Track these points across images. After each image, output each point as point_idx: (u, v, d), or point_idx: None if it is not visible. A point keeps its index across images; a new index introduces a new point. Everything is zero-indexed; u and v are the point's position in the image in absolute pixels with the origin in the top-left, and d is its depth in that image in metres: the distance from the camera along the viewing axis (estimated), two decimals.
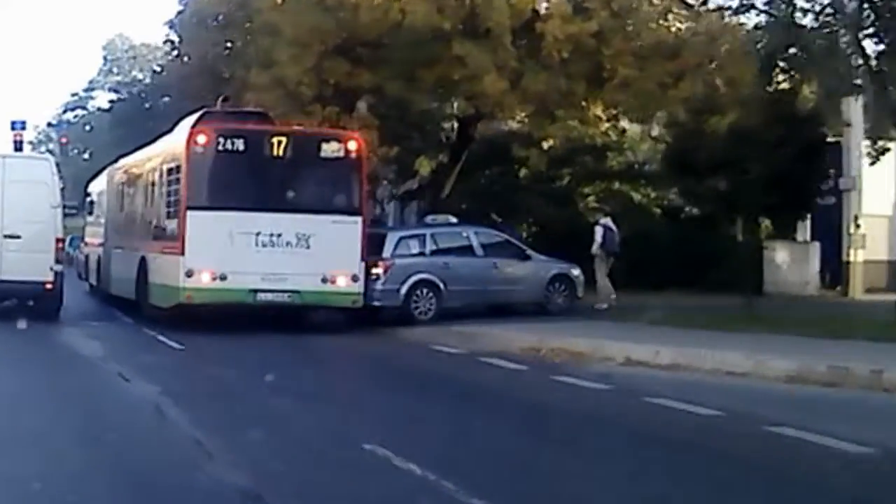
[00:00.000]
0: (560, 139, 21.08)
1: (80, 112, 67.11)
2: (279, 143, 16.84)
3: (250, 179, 16.87)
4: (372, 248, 17.37)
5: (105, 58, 67.71)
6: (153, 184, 18.77)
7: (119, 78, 63.59)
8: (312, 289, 16.77)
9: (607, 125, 20.36)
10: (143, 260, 18.44)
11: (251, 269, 16.46)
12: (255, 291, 16.56)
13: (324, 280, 16.85)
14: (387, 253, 17.78)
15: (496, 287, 18.26)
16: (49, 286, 16.92)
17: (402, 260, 17.84)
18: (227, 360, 13.64)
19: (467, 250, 18.42)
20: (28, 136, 46.34)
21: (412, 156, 23.82)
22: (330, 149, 17.17)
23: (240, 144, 16.61)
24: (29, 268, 16.60)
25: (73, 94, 67.83)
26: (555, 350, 13.41)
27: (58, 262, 17.05)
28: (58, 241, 17.14)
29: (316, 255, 16.70)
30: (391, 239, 18.17)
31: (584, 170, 24.41)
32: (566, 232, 18.15)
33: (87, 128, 65.58)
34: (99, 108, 55.94)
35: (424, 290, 17.68)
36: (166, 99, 33.92)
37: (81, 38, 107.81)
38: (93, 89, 67.24)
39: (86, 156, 63.94)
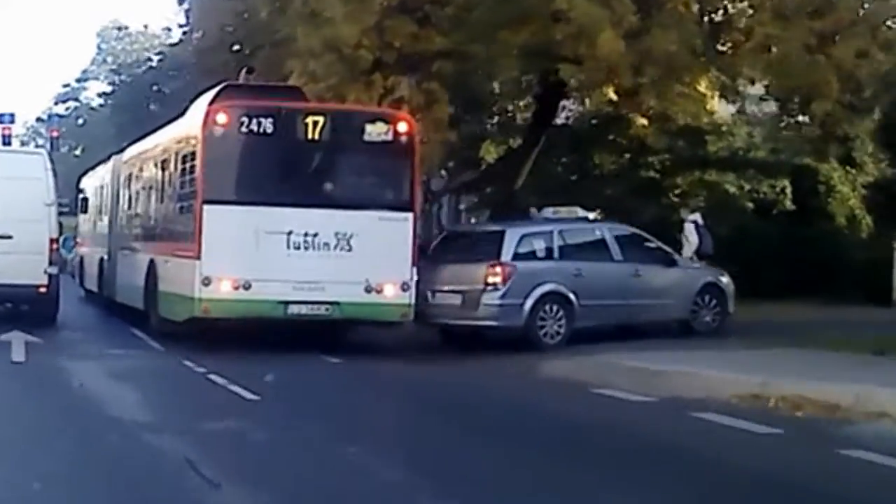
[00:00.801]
0: (659, 115, 19.61)
1: (72, 104, 66.70)
2: (315, 123, 15.81)
3: (280, 167, 15.93)
4: (480, 247, 16.10)
5: (99, 46, 67.38)
6: (163, 174, 17.87)
7: (115, 67, 63.17)
8: (354, 300, 15.77)
9: (712, 104, 18.91)
10: (151, 264, 17.62)
11: (281, 276, 15.46)
12: (286, 303, 15.55)
13: (368, 289, 15.82)
14: (506, 255, 15.77)
15: (637, 301, 16.26)
16: (43, 290, 17.19)
17: (525, 264, 15.85)
18: (329, 417, 10.55)
19: (602, 252, 16.42)
20: (15, 132, 46.42)
21: (475, 141, 22.64)
22: (376, 131, 16.09)
23: (267, 125, 15.58)
24: (21, 270, 16.85)
25: (65, 86, 67.55)
26: (790, 399, 10.44)
27: (52, 263, 17.34)
28: (52, 241, 17.43)
29: (359, 258, 15.71)
30: (511, 237, 16.00)
31: (676, 157, 23.20)
32: (650, 230, 16.92)
33: (80, 121, 65.30)
34: (100, 94, 55.08)
35: (553, 306, 15.66)
36: (173, 84, 33.01)
37: (71, 29, 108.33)
38: (86, 80, 67.13)
39: (77, 152, 63.56)
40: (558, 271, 15.95)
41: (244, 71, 17.95)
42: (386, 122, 16.19)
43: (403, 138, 16.18)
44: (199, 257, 15.35)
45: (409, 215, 16.13)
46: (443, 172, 22.60)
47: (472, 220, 26.20)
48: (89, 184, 27.40)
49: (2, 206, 17.04)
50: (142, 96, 40.88)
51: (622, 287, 16.14)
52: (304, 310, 15.65)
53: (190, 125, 16.58)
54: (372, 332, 17.01)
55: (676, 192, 22.92)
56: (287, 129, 15.73)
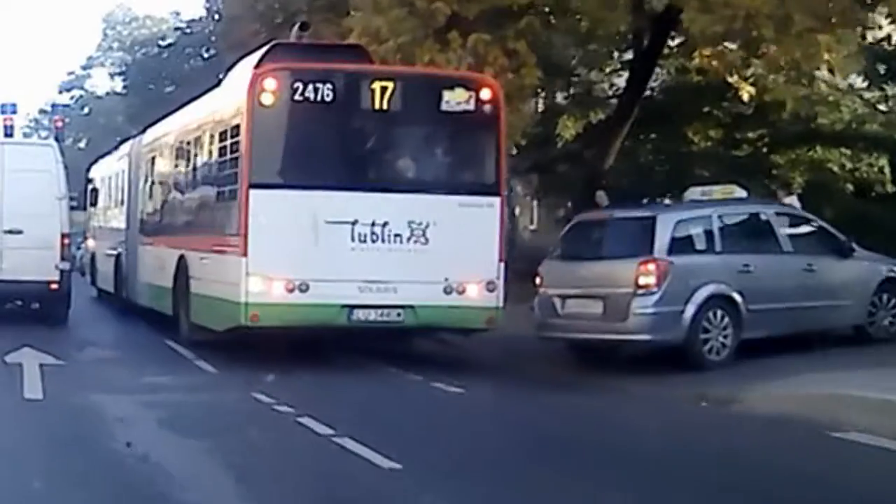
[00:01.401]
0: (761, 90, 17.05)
1: (76, 93, 64.27)
2: (383, 90, 13.16)
3: (341, 143, 13.39)
4: (623, 239, 13.20)
5: (105, 32, 65.02)
6: (197, 156, 15.30)
7: (126, 47, 60.75)
8: (431, 303, 13.22)
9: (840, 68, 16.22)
10: (182, 261, 15.10)
11: (344, 275, 12.89)
12: (350, 308, 12.97)
13: (448, 290, 13.28)
14: (660, 249, 12.57)
15: (812, 303, 13.11)
16: (54, 286, 16.79)
17: (683, 260, 12.67)
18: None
19: (770, 242, 13.41)
20: (17, 125, 44.33)
21: (551, 115, 20.06)
22: (455, 99, 13.44)
23: (326, 92, 12.94)
24: (32, 266, 16.52)
25: (70, 73, 65.19)
26: None
27: (64, 259, 16.97)
28: (63, 236, 17.01)
29: (436, 253, 13.16)
30: (665, 224, 12.79)
31: (779, 131, 20.57)
32: None
33: (85, 110, 62.83)
34: (111, 74, 51.95)
35: (718, 313, 12.55)
36: (193, 64, 30.29)
37: (73, 17, 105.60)
38: (91, 67, 64.86)
39: (82, 144, 61.13)
40: (723, 268, 12.81)
41: (296, 27, 15.15)
42: (467, 88, 13.51)
43: (487, 107, 13.54)
44: (245, 253, 12.71)
45: (496, 200, 13.54)
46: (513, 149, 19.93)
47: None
48: (100, 173, 25.00)
49: (11, 201, 16.71)
50: (157, 76, 37.86)
51: (795, 286, 13.03)
52: (371, 315, 13.06)
53: (231, 95, 13.91)
54: (477, 349, 14.34)
55: (775, 171, 20.24)
56: (350, 97, 13.15)
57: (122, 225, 21.09)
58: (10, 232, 16.72)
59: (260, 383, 11.30)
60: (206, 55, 30.80)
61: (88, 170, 26.66)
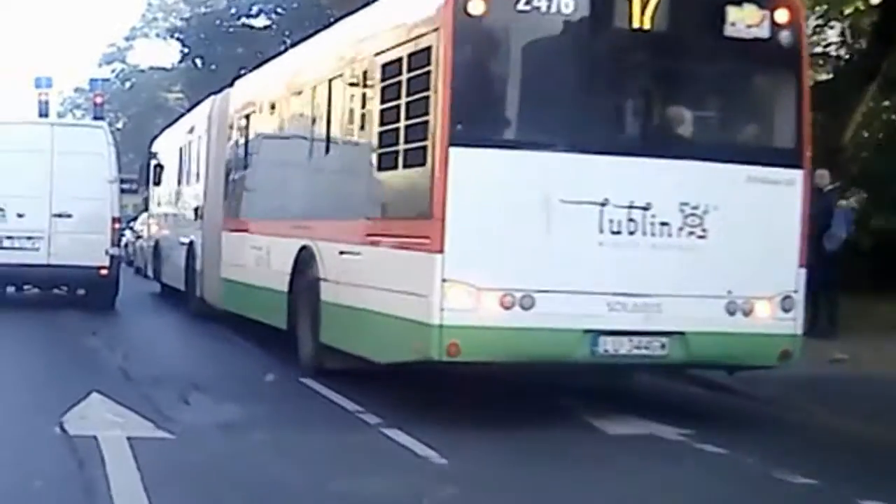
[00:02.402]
0: None
1: (117, 66, 59.93)
2: (643, 3, 8.55)
3: (587, 80, 8.84)
4: None
5: (149, 1, 60.81)
6: (338, 105, 10.62)
7: (167, 24, 56.42)
8: (708, 328, 8.77)
9: None
10: (304, 255, 10.90)
11: (588, 283, 8.50)
12: (595, 334, 8.42)
13: (731, 310, 8.85)
14: None
15: None
16: (104, 272, 16.65)
17: None
18: None
19: None
20: (52, 105, 40.75)
21: None
22: (744, 20, 8.94)
23: (564, 3, 8.33)
24: (81, 251, 16.44)
25: (111, 45, 60.84)
26: None
27: (114, 244, 16.91)
28: (114, 220, 16.90)
29: (716, 252, 8.74)
30: None
31: None
32: None
33: (127, 84, 58.42)
34: (169, 30, 47.27)
35: None
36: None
37: None
38: (133, 38, 60.68)
39: (119, 125, 56.78)
40: None
41: None
42: (759, 4, 8.92)
43: (786, 35, 9.02)
44: (440, 248, 8.15)
45: (797, 175, 9.03)
46: None
47: None
48: (167, 145, 20.80)
49: (60, 183, 16.48)
50: (224, 34, 32.68)
51: None
52: (624, 347, 8.62)
53: (412, 9, 9.24)
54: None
55: None
56: (599, 9, 8.61)
57: (198, 205, 16.85)
58: (60, 215, 16.51)
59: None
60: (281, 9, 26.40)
61: (151, 143, 22.94)
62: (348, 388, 9.35)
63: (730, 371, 9.69)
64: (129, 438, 7.03)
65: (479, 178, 8.22)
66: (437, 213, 8.17)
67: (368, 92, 9.70)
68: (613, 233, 8.44)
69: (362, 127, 9.81)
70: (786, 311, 8.95)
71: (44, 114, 38.00)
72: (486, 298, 8.18)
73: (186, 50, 34.90)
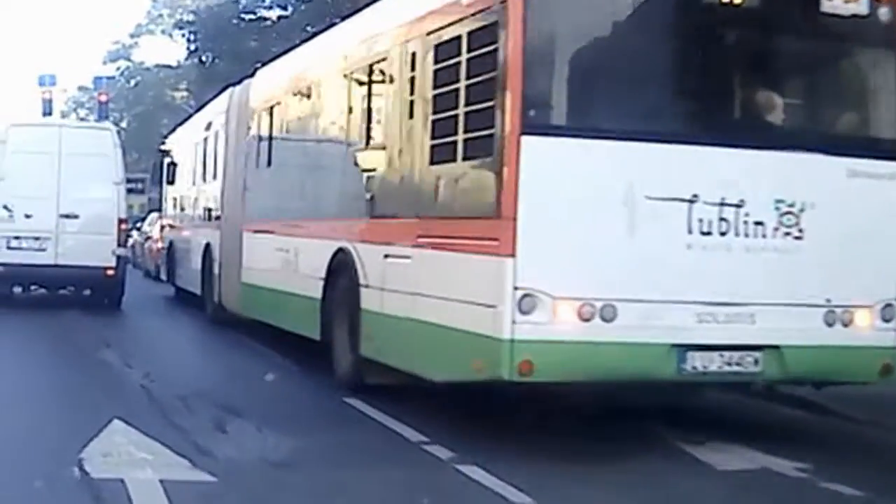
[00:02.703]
0: None
1: (122, 64, 59.03)
2: None
3: (673, 60, 7.86)
4: None
5: None
6: (380, 90, 9.62)
7: (173, 21, 55.52)
8: (806, 341, 7.82)
9: None
10: (341, 259, 9.96)
11: (675, 291, 7.53)
12: (683, 349, 7.43)
13: (829, 320, 7.91)
14: None
15: None
16: (110, 272, 16.85)
17: None
18: None
19: None
20: (56, 104, 40.08)
21: None
22: None
23: None
24: (88, 251, 16.62)
25: (115, 43, 59.89)
26: None
27: (120, 245, 17.12)
28: (121, 221, 17.12)
29: (813, 255, 7.81)
30: None
31: None
32: None
33: (133, 83, 57.51)
34: (177, 24, 46.37)
35: None
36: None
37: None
38: (139, 35, 59.76)
39: (124, 124, 55.83)
40: None
41: None
42: None
43: (885, 12, 8.05)
44: (512, 251, 7.15)
45: None
46: None
47: None
48: (181, 143, 19.93)
49: (67, 184, 16.69)
50: (233, 28, 31.59)
51: None
52: (714, 363, 7.65)
53: None
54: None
55: None
56: None
57: (215, 204, 15.89)
58: (67, 216, 16.66)
59: None
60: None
61: (162, 141, 22.47)
62: (398, 408, 8.34)
63: (817, 386, 8.73)
64: (161, 481, 5.99)
65: (554, 172, 7.22)
66: (506, 211, 7.17)
67: (419, 76, 8.69)
68: (703, 233, 7.48)
69: (411, 115, 8.80)
70: (886, 321, 8.07)
71: (47, 112, 37.31)
72: (563, 309, 7.20)
73: (193, 46, 33.92)
